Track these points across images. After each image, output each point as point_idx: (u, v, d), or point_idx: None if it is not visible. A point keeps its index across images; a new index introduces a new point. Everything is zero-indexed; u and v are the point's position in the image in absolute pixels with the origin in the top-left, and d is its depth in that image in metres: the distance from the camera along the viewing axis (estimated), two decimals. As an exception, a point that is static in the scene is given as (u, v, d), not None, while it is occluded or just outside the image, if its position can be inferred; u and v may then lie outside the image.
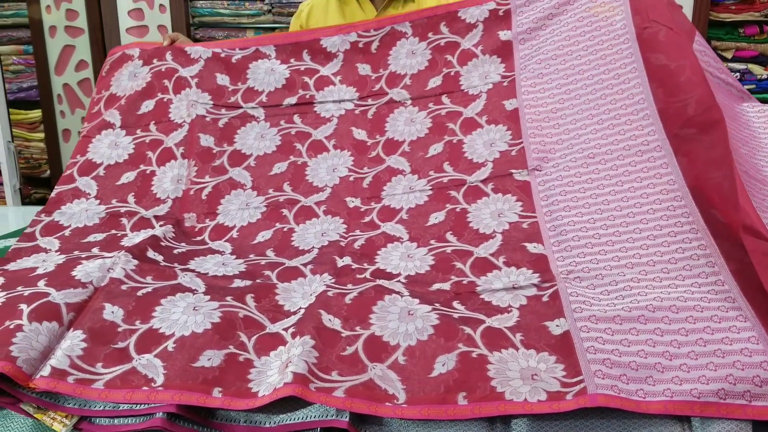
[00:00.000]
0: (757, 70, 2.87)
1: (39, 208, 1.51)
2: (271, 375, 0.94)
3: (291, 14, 2.95)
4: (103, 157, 1.58)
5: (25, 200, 3.00)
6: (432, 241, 1.28)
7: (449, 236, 1.29)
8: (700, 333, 0.92)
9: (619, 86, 1.42)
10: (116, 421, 0.92)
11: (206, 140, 1.56)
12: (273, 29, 3.02)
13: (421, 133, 1.52)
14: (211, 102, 1.63)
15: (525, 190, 1.35)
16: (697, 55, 1.47)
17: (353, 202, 1.42)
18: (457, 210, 1.35)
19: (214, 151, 1.54)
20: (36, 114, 3.19)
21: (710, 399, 0.83)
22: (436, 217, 1.34)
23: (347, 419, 0.87)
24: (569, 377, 0.89)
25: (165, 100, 1.63)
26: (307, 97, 1.61)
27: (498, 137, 1.46)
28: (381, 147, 1.52)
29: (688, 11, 2.82)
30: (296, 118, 1.59)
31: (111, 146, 1.59)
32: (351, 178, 1.48)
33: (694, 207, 1.14)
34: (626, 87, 1.40)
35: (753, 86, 2.84)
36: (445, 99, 1.57)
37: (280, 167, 1.52)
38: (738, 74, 2.86)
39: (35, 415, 0.91)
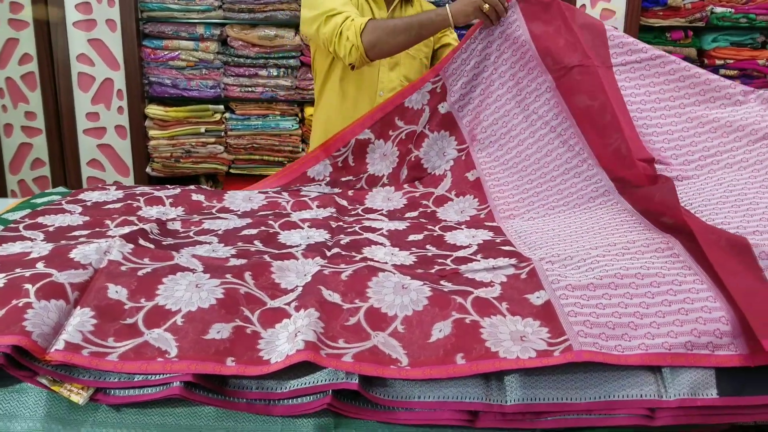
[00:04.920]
0: (682, 71, 3.09)
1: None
2: (280, 344, 0.99)
3: (241, 10, 2.98)
4: (92, 196, 1.63)
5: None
6: (413, 248, 1.36)
7: (429, 247, 1.38)
8: (665, 295, 1.04)
9: (558, 139, 1.62)
10: (131, 392, 0.96)
11: (197, 196, 1.65)
12: (223, 25, 3.03)
13: (399, 205, 1.67)
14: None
15: (496, 229, 1.48)
16: (613, 42, 1.65)
17: (336, 224, 1.50)
18: (435, 234, 1.44)
19: (204, 205, 1.62)
20: (-25, 108, 3.09)
21: (679, 350, 0.95)
22: (415, 237, 1.43)
23: (357, 381, 0.93)
24: (554, 338, 0.99)
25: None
26: (295, 188, 1.77)
27: (467, 205, 1.64)
28: (360, 211, 1.65)
29: (620, 17, 3.01)
30: (285, 194, 1.71)
31: (103, 194, 1.65)
32: (336, 199, 1.63)
33: (647, 222, 1.31)
34: (565, 138, 1.60)
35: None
36: (417, 184, 1.75)
37: (265, 212, 1.60)
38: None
39: (52, 388, 0.94)
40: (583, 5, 3.01)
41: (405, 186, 1.75)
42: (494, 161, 1.69)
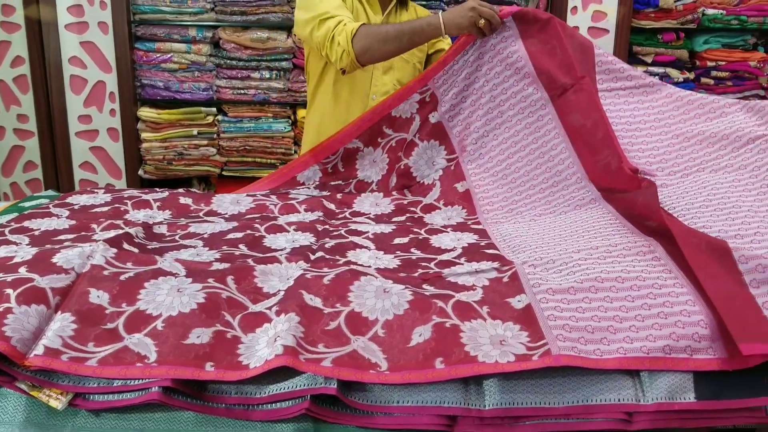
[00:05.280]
0: (674, 73, 3.10)
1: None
2: (259, 349, 0.99)
3: (233, 13, 2.99)
4: (80, 199, 1.64)
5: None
6: (398, 252, 1.36)
7: (413, 250, 1.38)
8: (645, 298, 1.04)
9: (549, 153, 1.63)
10: (110, 396, 0.96)
11: (185, 200, 1.65)
12: (215, 27, 3.03)
13: (386, 210, 1.67)
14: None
15: (481, 232, 1.48)
16: (600, 68, 1.68)
17: (322, 227, 1.50)
18: (420, 238, 1.45)
19: (192, 208, 1.62)
20: (-33, 110, 3.09)
21: (658, 354, 0.95)
22: (401, 240, 1.43)
23: (335, 386, 0.94)
24: (533, 342, 0.99)
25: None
26: (284, 191, 1.77)
27: (455, 214, 1.64)
28: (348, 214, 1.65)
29: (612, 19, 3.02)
30: (273, 196, 1.71)
31: (91, 197, 1.66)
32: (325, 203, 1.63)
33: (631, 226, 1.32)
34: (555, 153, 1.62)
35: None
36: (406, 192, 1.77)
37: (252, 215, 1.61)
38: (657, 77, 3.07)
39: (31, 393, 0.95)
40: (575, 7, 3.01)
41: (394, 193, 1.76)
42: (484, 172, 1.70)
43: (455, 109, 1.75)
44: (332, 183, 1.81)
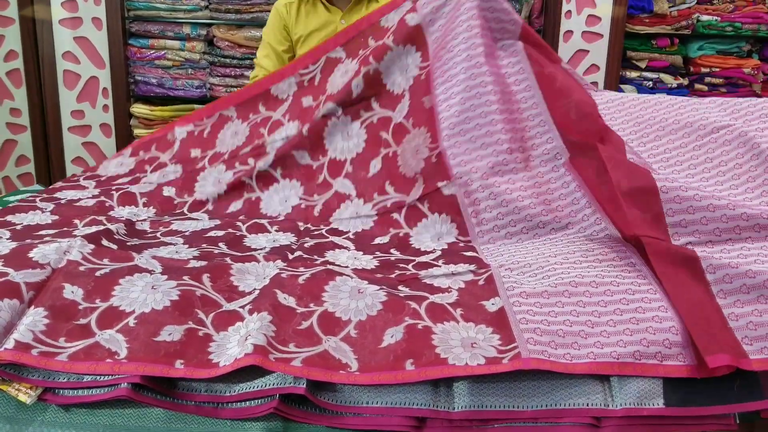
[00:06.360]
0: (668, 79, 3.10)
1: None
2: (230, 347, 1.00)
3: (228, 11, 2.99)
4: (66, 195, 1.64)
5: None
6: (377, 252, 1.36)
7: (393, 251, 1.37)
8: (617, 304, 1.04)
9: (512, 86, 1.50)
10: (80, 392, 0.96)
11: (168, 191, 1.65)
12: (209, 25, 3.04)
13: (359, 147, 1.58)
14: (181, 168, 1.73)
15: (454, 208, 1.42)
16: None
17: (304, 225, 1.50)
18: (400, 234, 1.43)
19: (176, 202, 1.63)
20: (-40, 104, 3.09)
21: (627, 360, 0.95)
22: (381, 239, 1.42)
23: (304, 386, 0.93)
24: (504, 345, 0.99)
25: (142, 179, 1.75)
26: (261, 143, 1.69)
27: (421, 141, 1.50)
28: (326, 170, 1.59)
29: (606, 23, 3.02)
30: (250, 160, 1.67)
31: (78, 192, 1.66)
32: (303, 206, 1.56)
33: (602, 212, 1.30)
34: (518, 89, 1.50)
35: (664, 94, 3.06)
36: (374, 103, 1.60)
37: (236, 205, 1.60)
38: (651, 83, 3.09)
39: (0, 387, 0.94)
40: (569, 11, 3.01)
41: (361, 111, 1.60)
42: (448, 80, 1.52)
43: (438, 13, 1.59)
44: (303, 100, 1.70)
